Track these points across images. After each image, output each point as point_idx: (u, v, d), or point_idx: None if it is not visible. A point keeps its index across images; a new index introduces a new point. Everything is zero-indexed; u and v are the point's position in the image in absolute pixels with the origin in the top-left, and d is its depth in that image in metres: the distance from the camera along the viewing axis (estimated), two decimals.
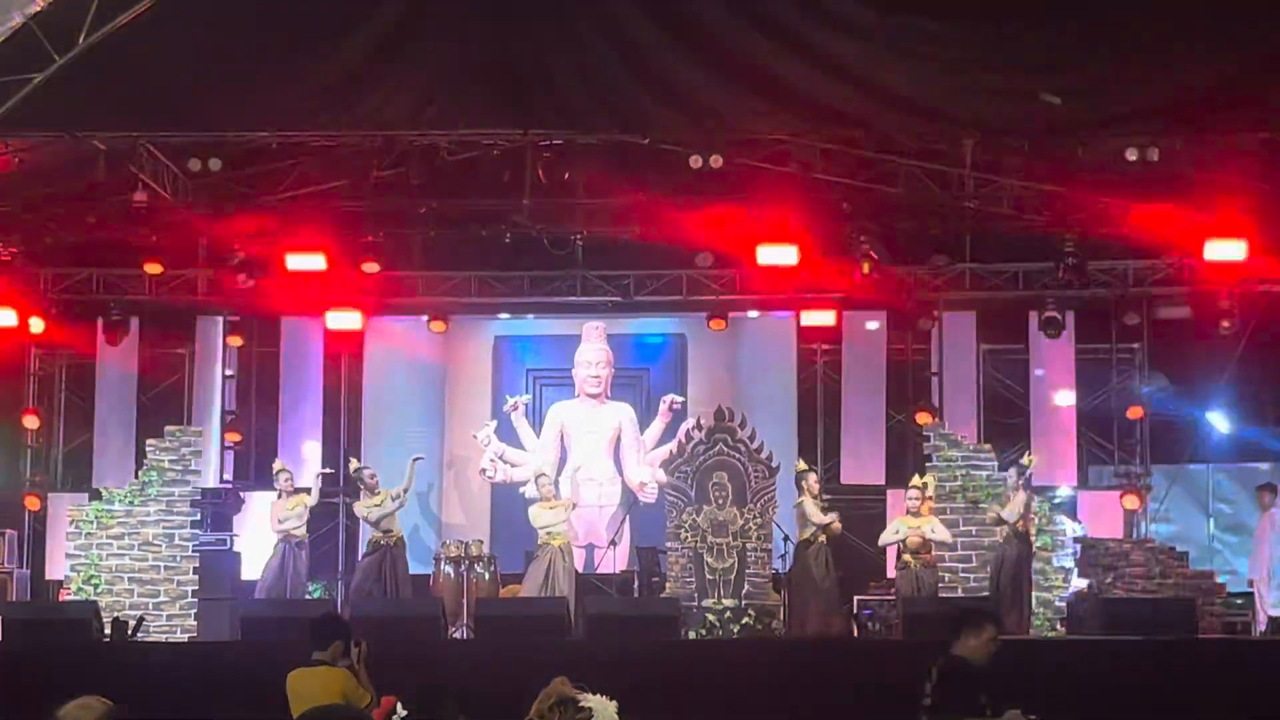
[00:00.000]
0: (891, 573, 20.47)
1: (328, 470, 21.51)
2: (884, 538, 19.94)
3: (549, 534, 19.47)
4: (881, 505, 21.67)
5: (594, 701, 5.38)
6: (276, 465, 20.59)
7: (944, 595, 18.98)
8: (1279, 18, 16.37)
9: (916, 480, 19.79)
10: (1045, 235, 21.26)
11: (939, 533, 19.12)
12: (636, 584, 20.62)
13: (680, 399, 22.98)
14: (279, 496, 20.10)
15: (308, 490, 20.35)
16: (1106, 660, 15.22)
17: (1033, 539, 19.17)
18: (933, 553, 19.22)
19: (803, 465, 19.98)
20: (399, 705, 6.94)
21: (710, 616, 18.84)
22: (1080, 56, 16.75)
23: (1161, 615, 16.85)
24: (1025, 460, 19.62)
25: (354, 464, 20.82)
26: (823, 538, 19.18)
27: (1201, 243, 20.57)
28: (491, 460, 22.94)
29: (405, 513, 22.27)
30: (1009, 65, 16.71)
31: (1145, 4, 16.50)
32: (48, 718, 6.01)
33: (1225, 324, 21.77)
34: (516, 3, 16.99)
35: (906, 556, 19.15)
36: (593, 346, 23.49)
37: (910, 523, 19.28)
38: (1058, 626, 19.42)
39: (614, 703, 5.40)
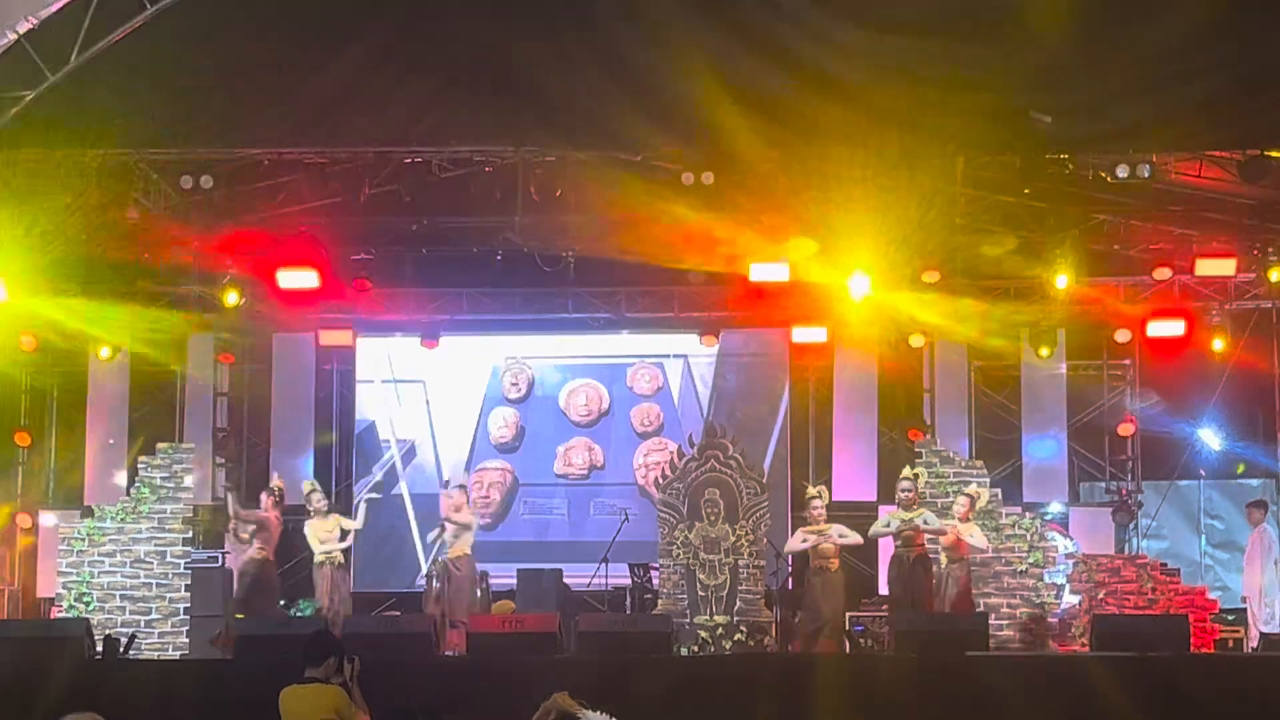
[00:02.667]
0: (884, 589, 20.48)
1: (374, 496, 21.39)
2: (874, 528, 19.82)
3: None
4: (873, 522, 21.63)
5: (593, 719, 5.36)
6: (307, 486, 20.34)
7: (933, 613, 18.97)
8: (1261, 38, 16.44)
9: (907, 472, 19.65)
10: (1036, 252, 21.30)
11: (932, 522, 18.99)
12: (629, 600, 20.62)
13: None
14: (312, 516, 19.94)
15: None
16: (1098, 677, 15.20)
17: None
18: (925, 545, 19.05)
19: (810, 491, 19.80)
20: None
21: (702, 633, 18.83)
22: (1070, 75, 16.79)
23: (1154, 632, 16.84)
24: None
25: (306, 486, 20.58)
26: (820, 564, 19.02)
27: (1192, 259, 20.63)
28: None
29: (395, 530, 22.51)
30: (1000, 84, 16.75)
31: (1133, 25, 16.54)
32: None
33: (1216, 343, 21.85)
34: (507, 20, 17.01)
35: (900, 549, 19.06)
36: (582, 395, 23.99)
37: (902, 515, 19.12)
38: (1049, 643, 19.42)
39: None
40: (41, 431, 23.80)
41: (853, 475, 23.11)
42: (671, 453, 21.04)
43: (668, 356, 24.42)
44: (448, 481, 20.77)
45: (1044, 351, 22.48)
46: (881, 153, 18.65)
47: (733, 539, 19.24)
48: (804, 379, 23.94)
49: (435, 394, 24.45)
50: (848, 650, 19.02)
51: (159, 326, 23.06)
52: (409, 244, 22.50)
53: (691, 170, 18.53)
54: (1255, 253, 21.21)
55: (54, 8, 16.62)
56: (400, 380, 24.39)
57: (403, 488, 24.21)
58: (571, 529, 24.01)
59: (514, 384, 24.46)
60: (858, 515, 21.90)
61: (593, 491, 24.18)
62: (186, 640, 19.67)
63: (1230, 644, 19.73)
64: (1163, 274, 21.58)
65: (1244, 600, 20.52)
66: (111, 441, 23.17)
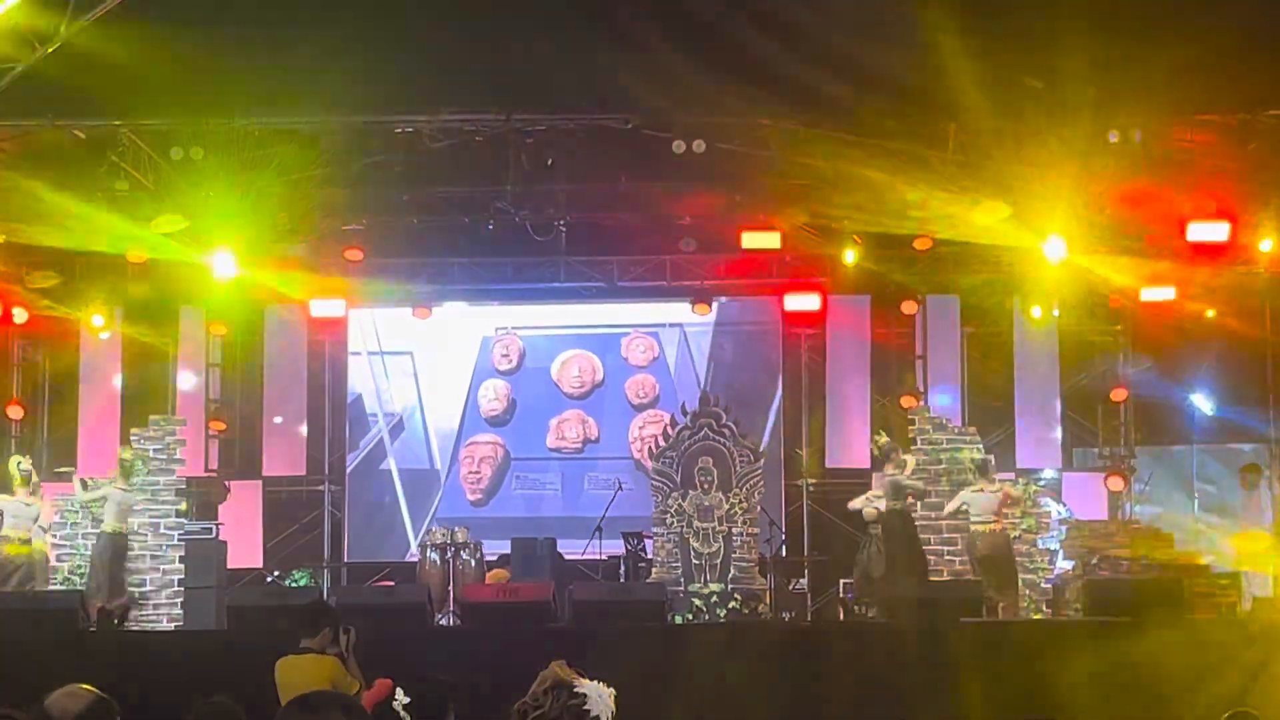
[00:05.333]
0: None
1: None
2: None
3: None
4: (867, 488, 21.65)
5: (590, 687, 5.36)
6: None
7: (928, 580, 19.04)
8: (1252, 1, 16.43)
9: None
10: (1029, 219, 21.28)
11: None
12: (623, 569, 20.62)
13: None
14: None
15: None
16: (1092, 642, 15.23)
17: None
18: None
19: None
20: (399, 690, 6.92)
21: (697, 601, 18.85)
22: (1062, 40, 16.75)
23: (1147, 596, 16.86)
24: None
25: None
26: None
27: (1184, 224, 20.58)
28: None
29: (384, 506, 22.67)
30: (991, 49, 16.71)
31: None
32: (35, 707, 5.99)
33: (1209, 311, 21.83)
34: None
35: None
36: (575, 366, 23.91)
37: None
38: (1043, 608, 19.45)
39: (612, 690, 5.38)
40: (34, 405, 23.77)
41: (846, 442, 23.12)
42: (666, 424, 20.98)
43: (663, 326, 24.20)
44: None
45: (1035, 313, 22.43)
46: (872, 120, 18.63)
47: (726, 507, 19.26)
48: (797, 346, 23.91)
49: (424, 366, 24.26)
50: (841, 617, 19.08)
51: (150, 298, 23.03)
52: (400, 214, 22.44)
53: (682, 138, 18.50)
54: (1247, 217, 21.16)
55: None
56: (388, 352, 24.23)
57: (390, 463, 24.04)
58: (565, 504, 23.72)
59: (504, 355, 24.25)
60: (852, 481, 21.99)
61: (587, 465, 23.90)
62: (180, 612, 19.68)
63: (1223, 608, 19.76)
64: (1154, 239, 21.51)
65: (1237, 565, 20.56)
66: (104, 414, 23.13)
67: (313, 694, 5.32)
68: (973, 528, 18.94)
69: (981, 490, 18.98)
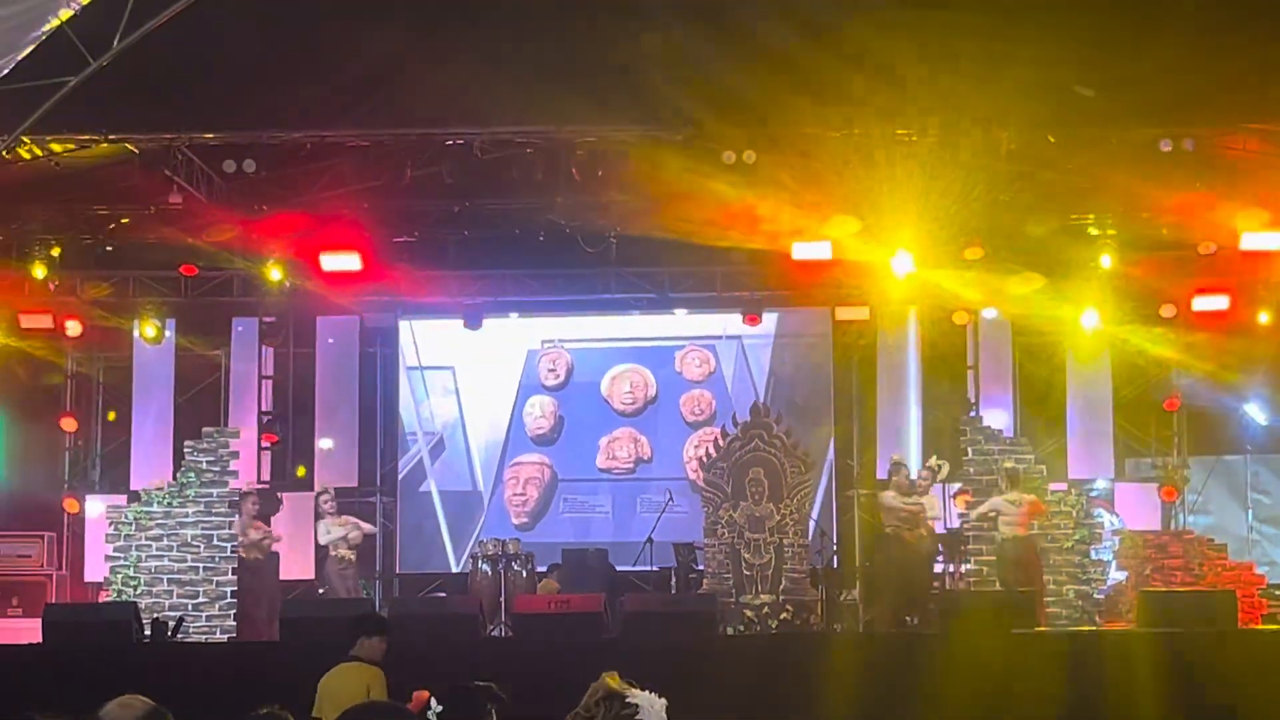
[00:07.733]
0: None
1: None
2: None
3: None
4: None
5: (642, 698, 5.37)
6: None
7: (979, 590, 19.01)
8: None
9: (933, 462, 20.33)
10: (1080, 230, 21.23)
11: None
12: (674, 580, 20.59)
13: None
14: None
15: None
16: (1146, 653, 15.16)
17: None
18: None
19: (897, 458, 20.24)
20: (433, 700, 6.94)
21: (748, 612, 18.83)
22: (1113, 48, 16.71)
23: (1201, 607, 16.79)
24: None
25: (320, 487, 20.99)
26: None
27: (1237, 233, 20.49)
28: None
29: (424, 530, 22.99)
30: (1042, 58, 16.67)
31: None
32: (89, 717, 6.03)
33: (1261, 315, 21.71)
34: None
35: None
36: (626, 381, 23.60)
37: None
38: (1096, 619, 19.37)
39: (663, 700, 5.39)
40: (87, 417, 23.91)
41: (898, 452, 23.01)
42: (717, 435, 20.87)
43: (720, 338, 23.64)
44: None
45: (1088, 322, 22.31)
46: (924, 129, 18.60)
47: (777, 518, 19.22)
48: (848, 358, 23.80)
49: (466, 382, 23.69)
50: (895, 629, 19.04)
51: (202, 311, 23.15)
52: (451, 226, 22.44)
53: (733, 149, 18.50)
54: None
55: None
56: (428, 367, 23.75)
57: (431, 484, 23.62)
58: (616, 528, 23.01)
59: (551, 370, 23.70)
60: None
61: (639, 487, 23.21)
62: (234, 624, 19.75)
63: (1278, 618, 19.65)
64: (1207, 248, 21.39)
65: None
66: (156, 426, 23.23)
67: (366, 704, 5.37)
68: (1002, 532, 18.95)
69: (1013, 501, 18.98)
